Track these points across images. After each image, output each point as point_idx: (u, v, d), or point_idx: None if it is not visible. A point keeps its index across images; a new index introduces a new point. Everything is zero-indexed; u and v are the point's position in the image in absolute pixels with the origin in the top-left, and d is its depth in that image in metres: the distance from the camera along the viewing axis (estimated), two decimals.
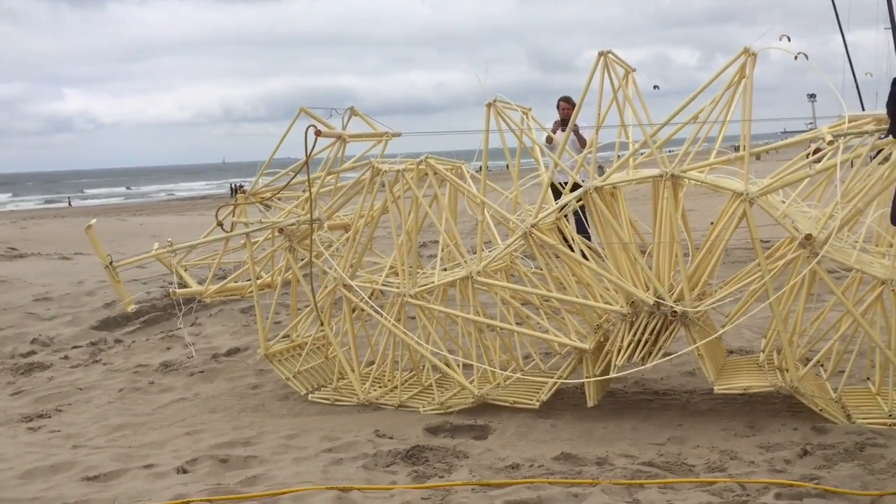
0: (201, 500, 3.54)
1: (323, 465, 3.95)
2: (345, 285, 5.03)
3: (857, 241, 4.50)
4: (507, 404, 4.74)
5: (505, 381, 5.11)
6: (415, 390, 5.17)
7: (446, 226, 5.03)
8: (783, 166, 4.51)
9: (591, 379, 4.60)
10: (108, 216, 27.75)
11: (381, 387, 5.22)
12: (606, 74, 4.58)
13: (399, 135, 5.58)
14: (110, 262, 5.48)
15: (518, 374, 5.23)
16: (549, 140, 9.38)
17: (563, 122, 10.66)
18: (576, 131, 9.09)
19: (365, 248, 5.13)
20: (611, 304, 4.61)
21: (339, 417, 4.84)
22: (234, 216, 5.43)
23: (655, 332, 4.49)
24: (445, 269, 5.15)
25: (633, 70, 5.01)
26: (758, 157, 4.68)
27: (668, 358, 4.43)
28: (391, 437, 4.40)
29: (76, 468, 4.11)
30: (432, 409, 4.81)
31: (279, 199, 5.50)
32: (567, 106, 10.66)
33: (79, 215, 30.33)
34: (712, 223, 4.75)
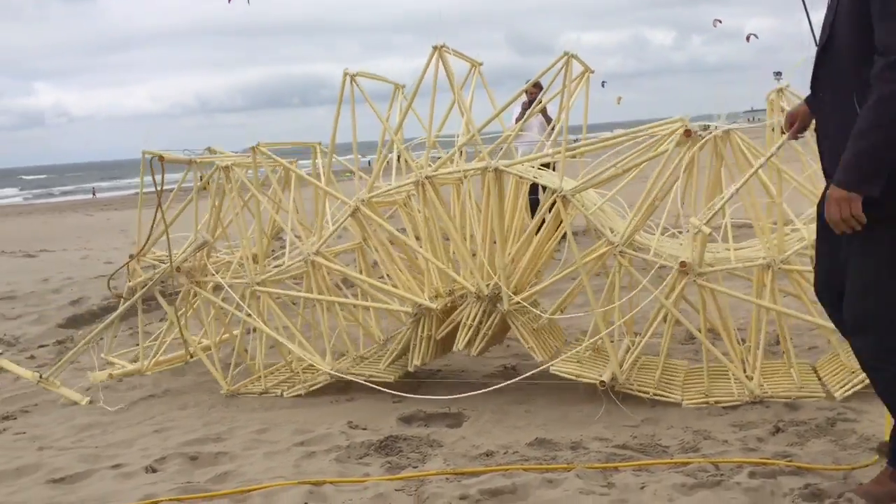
0: (170, 500, 3.47)
1: (295, 459, 3.90)
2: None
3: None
4: (362, 380, 4.81)
5: (362, 358, 5.28)
6: (282, 377, 5.25)
7: (283, 214, 5.17)
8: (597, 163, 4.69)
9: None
10: (75, 211, 27.36)
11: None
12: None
13: (262, 150, 5.22)
14: (40, 378, 5.32)
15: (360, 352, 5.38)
16: (519, 119, 9.41)
17: (529, 104, 10.68)
18: (544, 112, 9.09)
19: (210, 249, 5.22)
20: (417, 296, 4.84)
21: (311, 410, 4.78)
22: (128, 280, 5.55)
23: (477, 319, 4.73)
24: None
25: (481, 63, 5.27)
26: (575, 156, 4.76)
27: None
28: (364, 429, 4.35)
29: (42, 470, 4.02)
30: (294, 392, 4.99)
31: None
32: (534, 90, 10.67)
33: (45, 211, 29.88)
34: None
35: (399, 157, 5.27)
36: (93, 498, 3.58)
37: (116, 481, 3.79)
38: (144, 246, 5.41)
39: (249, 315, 5.18)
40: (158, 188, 5.03)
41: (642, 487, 3.25)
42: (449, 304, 4.93)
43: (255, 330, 5.44)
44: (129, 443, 4.40)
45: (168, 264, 5.28)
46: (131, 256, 5.52)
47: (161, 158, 5.06)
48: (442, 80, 4.92)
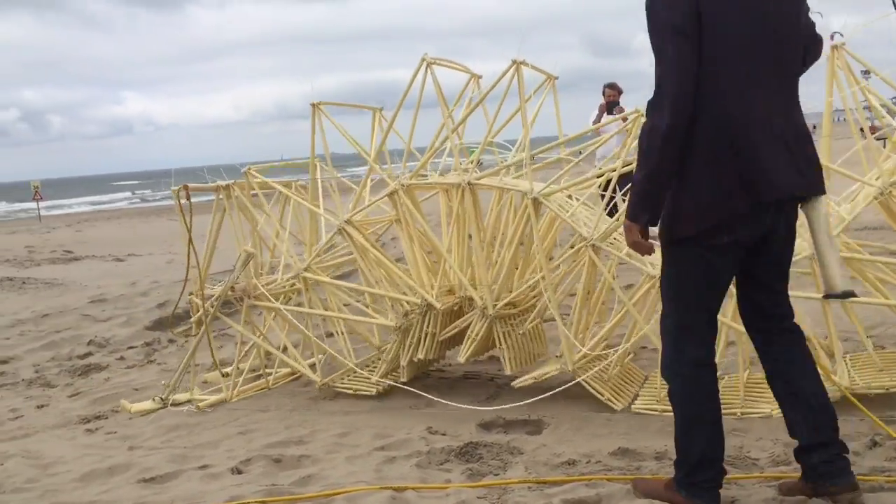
0: (257, 502, 3.52)
1: (376, 464, 3.92)
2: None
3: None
4: (351, 392, 5.06)
5: (350, 372, 5.30)
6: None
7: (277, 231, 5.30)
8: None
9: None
10: (158, 216, 28.25)
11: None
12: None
13: (252, 173, 5.49)
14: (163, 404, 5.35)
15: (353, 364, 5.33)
16: (598, 121, 9.32)
17: (608, 107, 10.54)
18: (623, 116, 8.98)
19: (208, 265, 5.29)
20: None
21: (391, 414, 4.81)
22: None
23: (482, 335, 4.85)
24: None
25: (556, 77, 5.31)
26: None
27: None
28: (444, 434, 4.35)
29: (133, 470, 4.14)
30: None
31: None
32: (612, 92, 10.55)
33: (133, 216, 30.96)
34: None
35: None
36: (182, 498, 3.67)
37: (204, 482, 3.88)
38: (201, 278, 5.38)
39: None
40: (187, 218, 5.19)
41: (733, 502, 3.15)
42: (456, 307, 5.07)
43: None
44: (215, 444, 4.50)
45: (225, 285, 5.36)
46: (191, 293, 5.61)
47: (186, 188, 5.25)
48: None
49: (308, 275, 5.28)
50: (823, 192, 2.93)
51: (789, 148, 2.80)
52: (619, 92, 10.26)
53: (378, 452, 4.11)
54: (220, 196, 5.42)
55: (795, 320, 3.11)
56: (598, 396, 4.54)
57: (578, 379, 4.57)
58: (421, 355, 4.96)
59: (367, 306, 5.71)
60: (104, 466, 4.21)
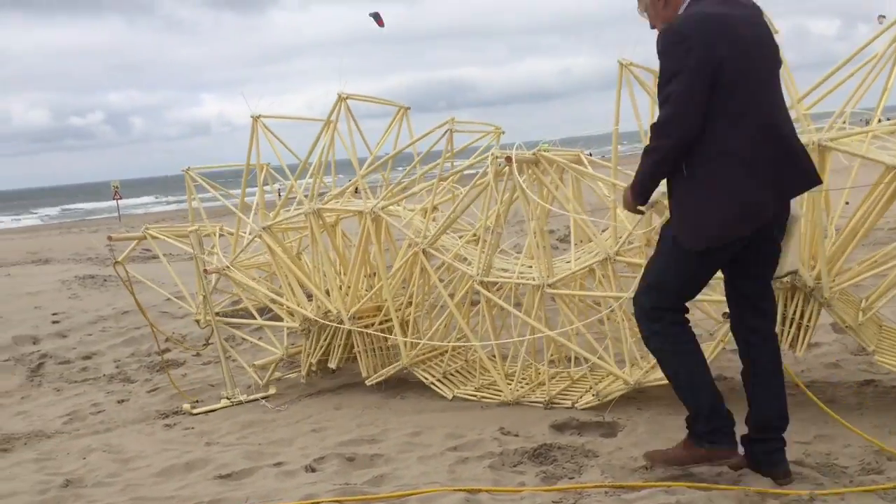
0: (331, 501, 3.53)
1: (448, 465, 3.89)
2: (481, 282, 4.91)
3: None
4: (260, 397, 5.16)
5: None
6: (563, 385, 4.97)
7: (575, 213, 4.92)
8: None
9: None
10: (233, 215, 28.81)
11: (527, 384, 5.08)
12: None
13: (190, 174, 6.18)
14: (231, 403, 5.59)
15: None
16: None
17: None
18: None
19: (497, 246, 5.01)
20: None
21: (462, 414, 4.77)
22: None
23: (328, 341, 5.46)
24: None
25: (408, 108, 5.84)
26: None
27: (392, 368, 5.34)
28: (517, 435, 4.29)
29: (209, 466, 4.21)
30: (586, 404, 4.63)
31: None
32: None
33: (209, 216, 31.66)
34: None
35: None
36: (257, 495, 3.71)
37: (278, 479, 3.91)
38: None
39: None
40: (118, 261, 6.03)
41: None
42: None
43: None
44: (289, 441, 4.54)
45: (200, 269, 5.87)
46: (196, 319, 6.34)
47: (109, 238, 6.62)
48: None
49: (228, 272, 5.76)
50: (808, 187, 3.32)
51: (785, 173, 3.15)
52: None
53: (451, 453, 4.08)
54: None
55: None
56: (425, 381, 5.17)
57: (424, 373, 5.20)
58: (333, 365, 5.46)
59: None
60: (182, 462, 4.29)
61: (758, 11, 3.29)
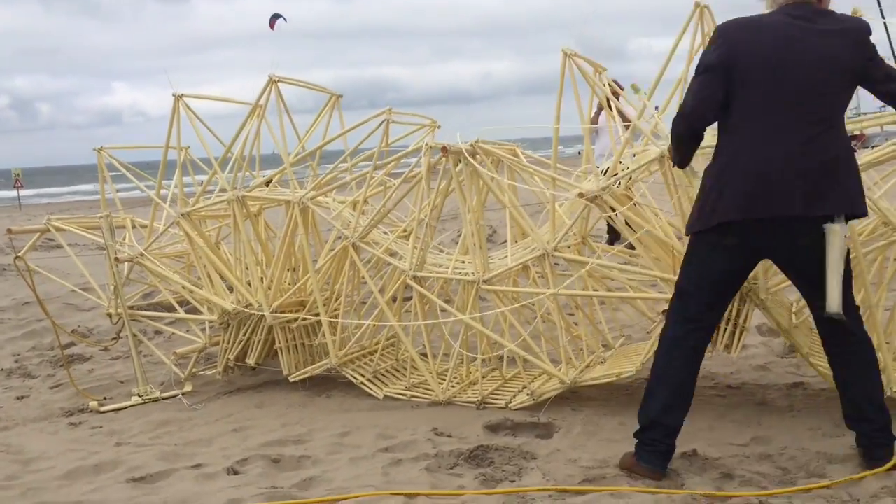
0: None
1: (382, 467, 3.70)
2: (414, 277, 4.72)
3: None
4: (612, 379, 4.39)
5: (595, 362, 4.89)
6: (495, 384, 4.85)
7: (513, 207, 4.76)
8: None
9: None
10: (146, 207, 27.82)
11: (458, 383, 4.91)
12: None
13: (105, 153, 5.70)
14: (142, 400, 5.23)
15: (608, 352, 5.02)
16: (595, 121, 9.07)
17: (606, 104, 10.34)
18: (621, 114, 8.80)
19: (430, 240, 4.84)
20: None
21: (392, 414, 4.59)
22: None
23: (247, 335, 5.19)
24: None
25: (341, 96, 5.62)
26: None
27: (318, 367, 5.06)
28: (450, 436, 4.13)
29: (120, 468, 3.90)
30: (520, 404, 4.50)
31: None
32: (616, 89, 10.34)
33: (124, 206, 30.46)
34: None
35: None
36: (175, 500, 3.44)
37: (198, 483, 3.64)
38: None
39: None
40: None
41: None
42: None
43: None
44: (208, 441, 4.26)
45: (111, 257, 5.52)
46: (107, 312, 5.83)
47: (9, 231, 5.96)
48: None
49: (143, 260, 5.46)
50: (840, 212, 3.19)
51: (807, 178, 3.15)
52: (621, 88, 10.05)
53: (383, 454, 3.89)
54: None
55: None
56: (354, 381, 4.96)
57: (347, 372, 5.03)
58: (251, 361, 5.21)
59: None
60: (90, 463, 3.97)
61: (840, 26, 3.24)
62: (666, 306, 4.05)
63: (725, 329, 4.15)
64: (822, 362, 4.12)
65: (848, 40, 3.21)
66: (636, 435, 3.47)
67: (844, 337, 3.38)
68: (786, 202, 3.16)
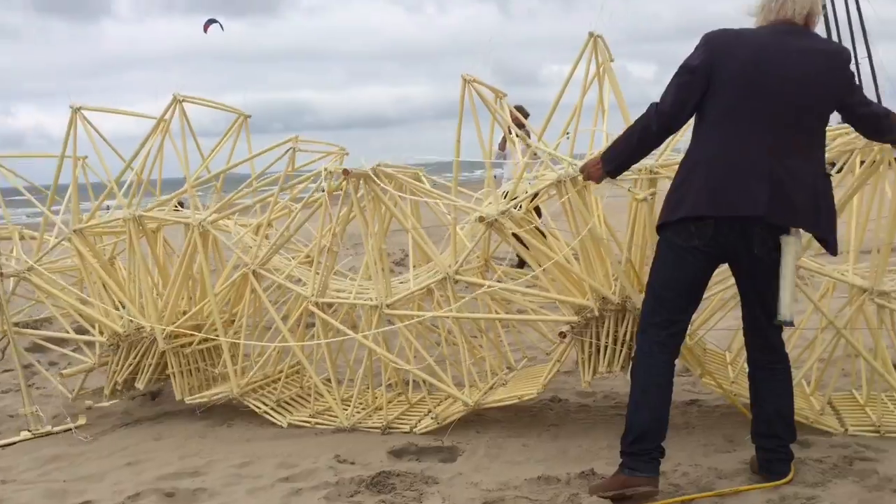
0: None
1: (281, 497, 3.63)
2: (316, 303, 4.67)
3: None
4: (515, 401, 4.45)
5: (498, 383, 4.91)
6: (401, 409, 4.83)
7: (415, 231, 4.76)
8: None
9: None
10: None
11: (364, 408, 4.86)
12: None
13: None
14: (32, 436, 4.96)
15: (510, 374, 5.04)
16: (502, 147, 9.16)
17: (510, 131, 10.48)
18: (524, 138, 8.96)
19: (333, 266, 4.80)
20: None
21: (295, 442, 4.51)
22: None
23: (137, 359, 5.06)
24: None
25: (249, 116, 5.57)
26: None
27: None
28: (353, 463, 4.08)
29: None
30: (425, 428, 4.48)
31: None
32: (517, 115, 10.49)
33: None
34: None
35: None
36: None
37: None
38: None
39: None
40: None
41: None
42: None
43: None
44: (100, 476, 4.10)
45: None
46: None
47: None
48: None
49: (30, 275, 5.23)
50: (799, 226, 3.30)
51: (774, 185, 3.22)
52: (526, 115, 10.23)
53: (283, 484, 3.81)
54: None
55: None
56: (257, 410, 4.84)
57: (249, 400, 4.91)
58: (140, 385, 5.08)
59: None
60: None
61: (822, 48, 3.36)
62: (564, 328, 4.13)
63: (621, 350, 4.23)
64: (715, 381, 4.27)
65: (828, 62, 3.31)
66: (628, 450, 3.43)
67: (773, 353, 3.51)
68: (750, 203, 3.22)
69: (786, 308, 3.29)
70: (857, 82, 3.42)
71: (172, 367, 4.95)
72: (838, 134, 3.94)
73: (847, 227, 4.39)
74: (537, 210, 5.20)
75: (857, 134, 3.66)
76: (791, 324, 3.34)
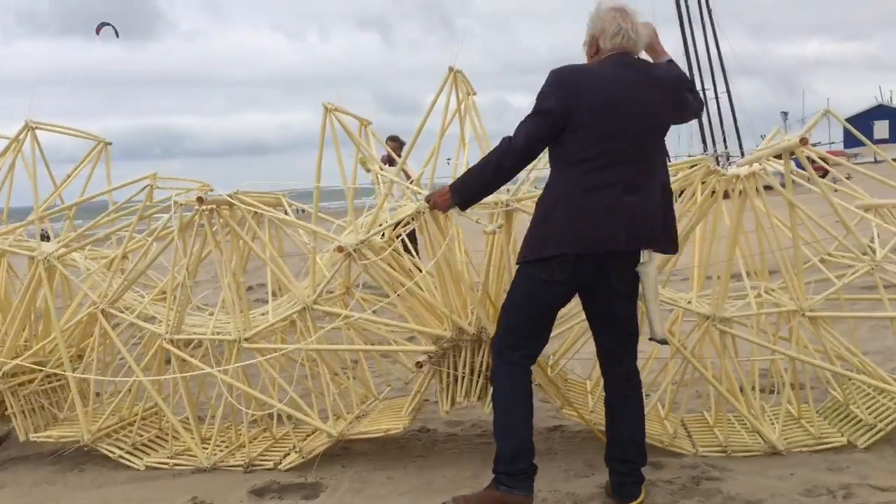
0: None
1: None
2: (172, 341, 4.50)
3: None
4: (381, 433, 4.42)
5: (361, 414, 4.85)
6: (265, 445, 4.70)
7: (273, 261, 4.66)
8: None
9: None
10: None
11: (226, 446, 4.70)
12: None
13: None
14: None
15: (372, 404, 5.00)
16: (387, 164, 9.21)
17: (388, 161, 10.59)
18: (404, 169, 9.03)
19: (188, 301, 4.61)
20: None
21: (151, 485, 4.31)
22: None
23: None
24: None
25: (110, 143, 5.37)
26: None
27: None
28: None
29: None
30: (290, 464, 4.37)
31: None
32: (394, 144, 10.63)
33: None
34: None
35: None
36: None
37: None
38: None
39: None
40: None
41: None
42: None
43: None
44: None
45: None
46: None
47: None
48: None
49: None
50: (654, 248, 3.47)
51: (629, 218, 3.37)
52: (401, 144, 10.33)
53: None
54: None
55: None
56: (111, 456, 4.62)
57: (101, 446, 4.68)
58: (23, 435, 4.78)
59: None
60: None
61: (661, 76, 3.51)
62: (422, 358, 4.14)
63: (478, 381, 4.28)
64: (575, 410, 4.38)
65: (663, 92, 3.48)
66: (503, 469, 3.50)
67: (627, 381, 3.64)
68: (613, 239, 3.36)
69: (657, 326, 3.46)
70: (688, 78, 3.64)
71: (10, 408, 4.65)
72: (679, 168, 4.15)
73: (691, 255, 4.62)
74: (412, 237, 5.21)
75: (697, 167, 3.88)
76: (665, 342, 3.54)
